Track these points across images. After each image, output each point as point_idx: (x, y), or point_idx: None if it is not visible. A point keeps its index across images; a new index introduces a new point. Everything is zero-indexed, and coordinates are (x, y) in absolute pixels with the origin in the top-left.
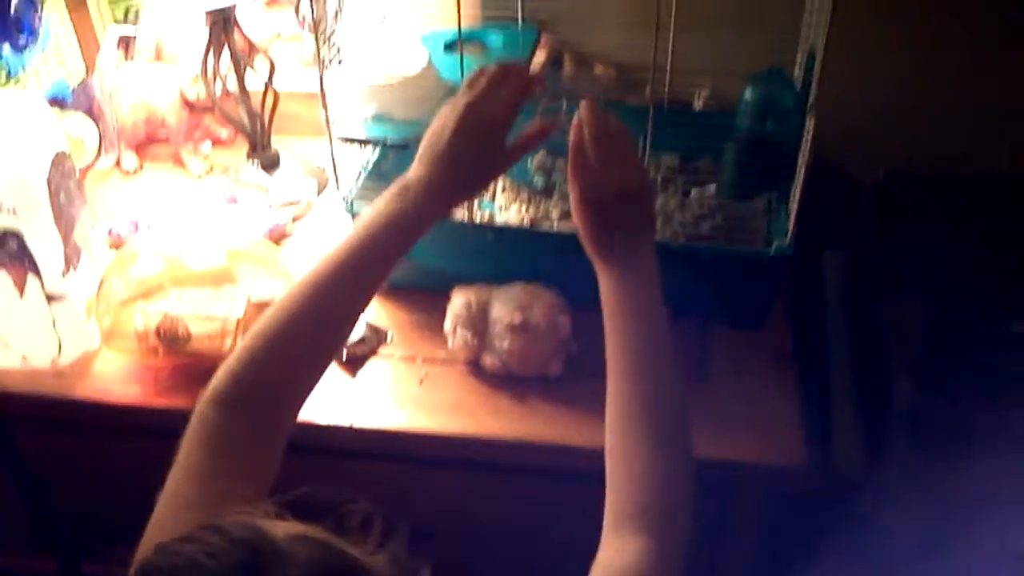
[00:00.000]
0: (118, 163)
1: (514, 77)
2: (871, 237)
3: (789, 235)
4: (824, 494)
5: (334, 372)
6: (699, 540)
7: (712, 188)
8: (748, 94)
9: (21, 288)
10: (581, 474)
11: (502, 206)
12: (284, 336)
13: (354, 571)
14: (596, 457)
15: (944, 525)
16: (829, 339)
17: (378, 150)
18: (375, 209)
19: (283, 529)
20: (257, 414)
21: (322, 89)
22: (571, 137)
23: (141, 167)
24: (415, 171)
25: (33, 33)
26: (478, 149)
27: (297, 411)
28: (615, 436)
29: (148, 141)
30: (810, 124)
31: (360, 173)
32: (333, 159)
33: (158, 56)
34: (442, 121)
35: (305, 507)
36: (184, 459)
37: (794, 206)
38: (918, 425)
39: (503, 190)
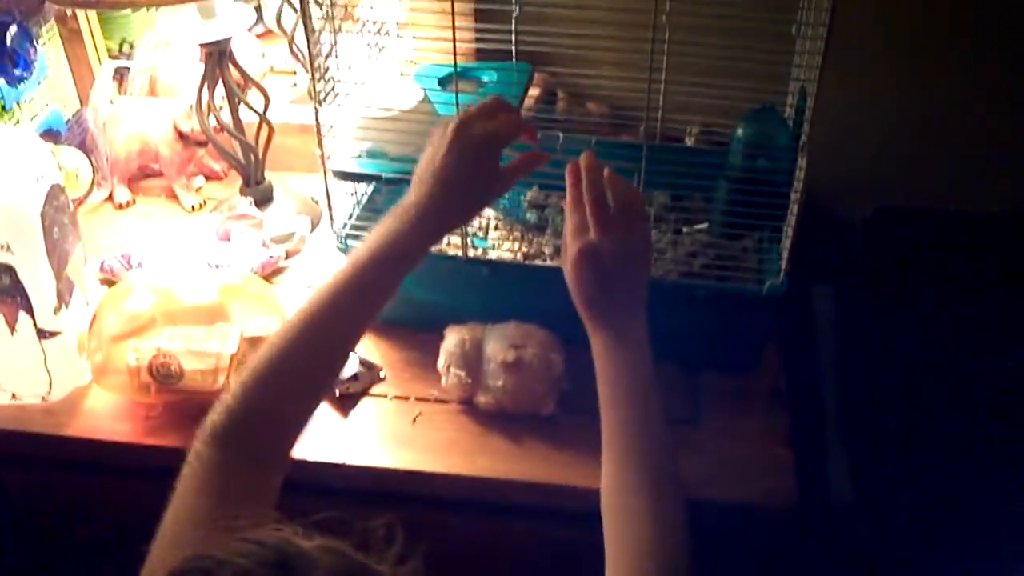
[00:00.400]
0: (110, 196)
1: (506, 112)
2: (861, 272)
3: (782, 274)
4: (819, 529)
5: (326, 410)
6: None
7: (704, 226)
8: (740, 132)
9: (12, 325)
10: (575, 513)
11: (495, 243)
12: (279, 372)
13: None
14: (590, 497)
15: (938, 556)
16: (821, 375)
17: (372, 186)
18: (372, 234)
19: (309, 542)
20: (254, 450)
21: (318, 125)
22: (568, 193)
23: (134, 201)
24: (410, 194)
25: (28, 66)
26: (471, 168)
27: (293, 445)
28: (611, 495)
29: (141, 175)
30: (803, 162)
31: (354, 209)
32: (328, 195)
33: (152, 89)
34: (434, 144)
35: (330, 526)
36: (181, 498)
37: (787, 244)
38: (911, 459)
39: (495, 227)
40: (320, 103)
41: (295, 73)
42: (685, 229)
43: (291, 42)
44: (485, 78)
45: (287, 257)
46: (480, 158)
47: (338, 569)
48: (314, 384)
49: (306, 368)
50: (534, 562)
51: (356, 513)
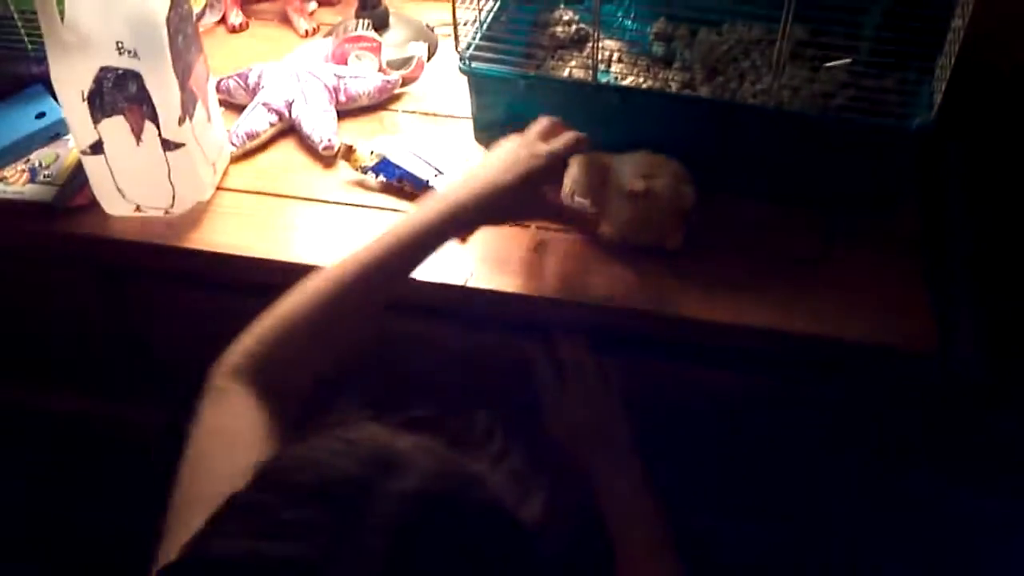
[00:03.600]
0: (223, 19)
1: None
2: (1002, 128)
3: (935, 109)
4: (941, 397)
5: None
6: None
7: (845, 61)
8: None
9: (138, 134)
10: (696, 348)
11: (618, 75)
12: (300, 325)
13: (471, 484)
14: (711, 331)
15: None
16: (949, 236)
17: (497, 4)
18: (406, 216)
19: (404, 440)
20: (271, 390)
21: None
22: (538, 377)
23: (247, 24)
24: (461, 190)
25: None
26: (527, 197)
27: (311, 385)
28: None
29: None
30: None
31: (477, 30)
32: (454, 14)
33: None
34: (502, 161)
35: (426, 423)
36: (201, 436)
37: (946, 76)
38: None
39: (619, 60)
40: None
41: None
42: (824, 65)
43: None
44: None
45: (403, 84)
46: (538, 190)
47: (434, 469)
48: (334, 342)
49: (327, 327)
50: (649, 396)
51: (474, 340)
